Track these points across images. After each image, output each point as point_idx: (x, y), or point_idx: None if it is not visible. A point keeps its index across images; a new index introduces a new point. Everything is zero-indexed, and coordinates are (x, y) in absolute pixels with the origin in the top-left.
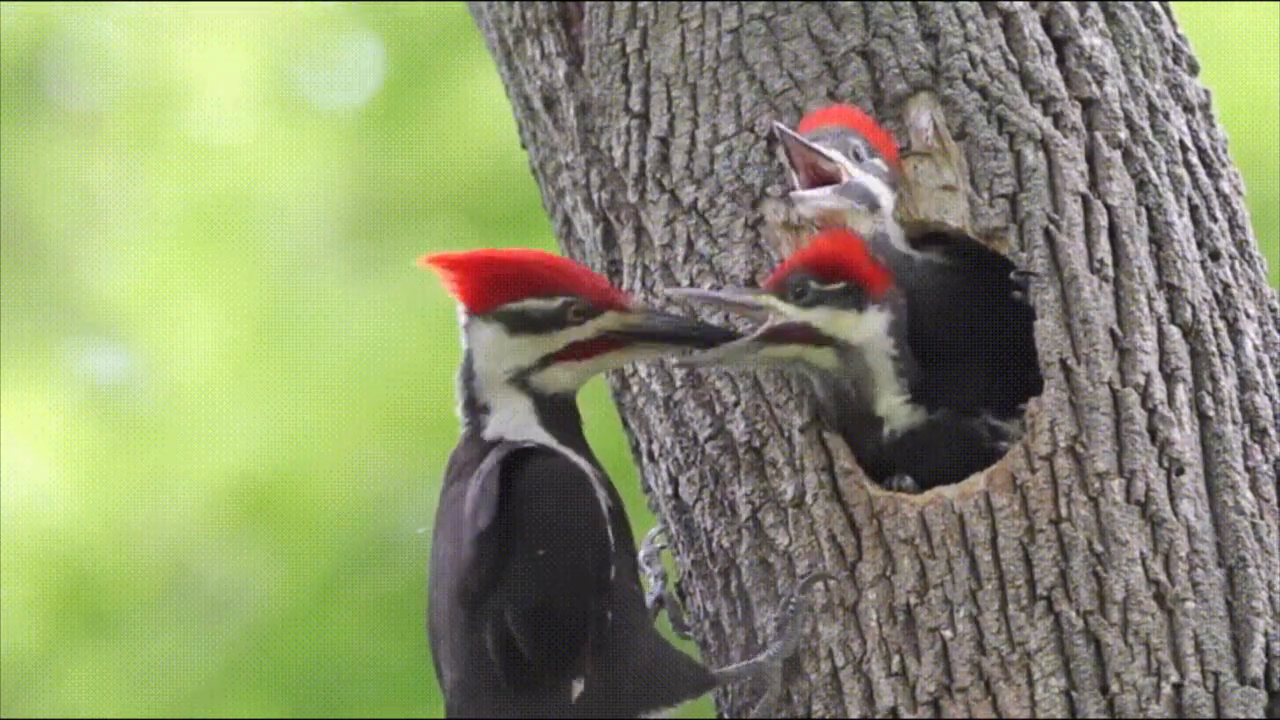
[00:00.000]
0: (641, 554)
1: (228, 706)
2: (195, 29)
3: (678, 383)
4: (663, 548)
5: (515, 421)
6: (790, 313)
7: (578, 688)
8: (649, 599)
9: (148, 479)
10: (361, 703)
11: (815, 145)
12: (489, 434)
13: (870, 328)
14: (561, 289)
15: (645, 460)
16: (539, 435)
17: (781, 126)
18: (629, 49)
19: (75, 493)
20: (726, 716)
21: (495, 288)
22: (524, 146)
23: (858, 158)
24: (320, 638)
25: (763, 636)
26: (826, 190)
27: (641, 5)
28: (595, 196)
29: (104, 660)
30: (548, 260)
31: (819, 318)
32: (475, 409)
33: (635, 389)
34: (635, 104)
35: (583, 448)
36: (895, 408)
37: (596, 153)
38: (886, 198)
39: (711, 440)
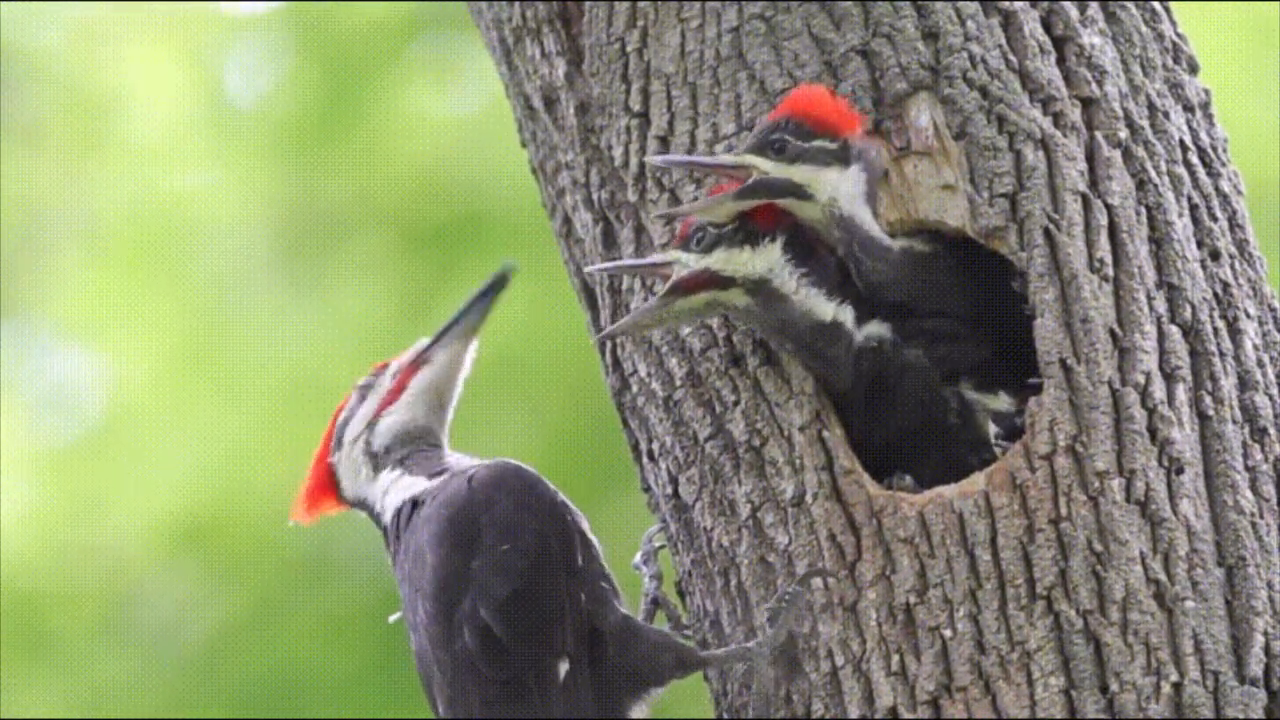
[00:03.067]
0: (639, 553)
1: None
2: (129, 42)
3: (677, 382)
4: (661, 547)
5: (395, 489)
6: (691, 261)
7: (563, 668)
8: (644, 600)
9: (88, 505)
10: None
11: (709, 160)
12: (386, 518)
13: (766, 258)
14: (347, 398)
15: (645, 460)
16: (408, 484)
17: (662, 159)
18: (629, 48)
19: (14, 515)
20: (725, 717)
21: (321, 456)
22: (524, 145)
23: (780, 149)
24: (263, 658)
25: (761, 634)
26: (711, 198)
27: (641, 5)
28: (595, 196)
29: (47, 686)
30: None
31: (716, 260)
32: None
33: (635, 388)
34: (635, 103)
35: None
36: (839, 310)
37: (596, 152)
38: (823, 180)
39: (711, 439)
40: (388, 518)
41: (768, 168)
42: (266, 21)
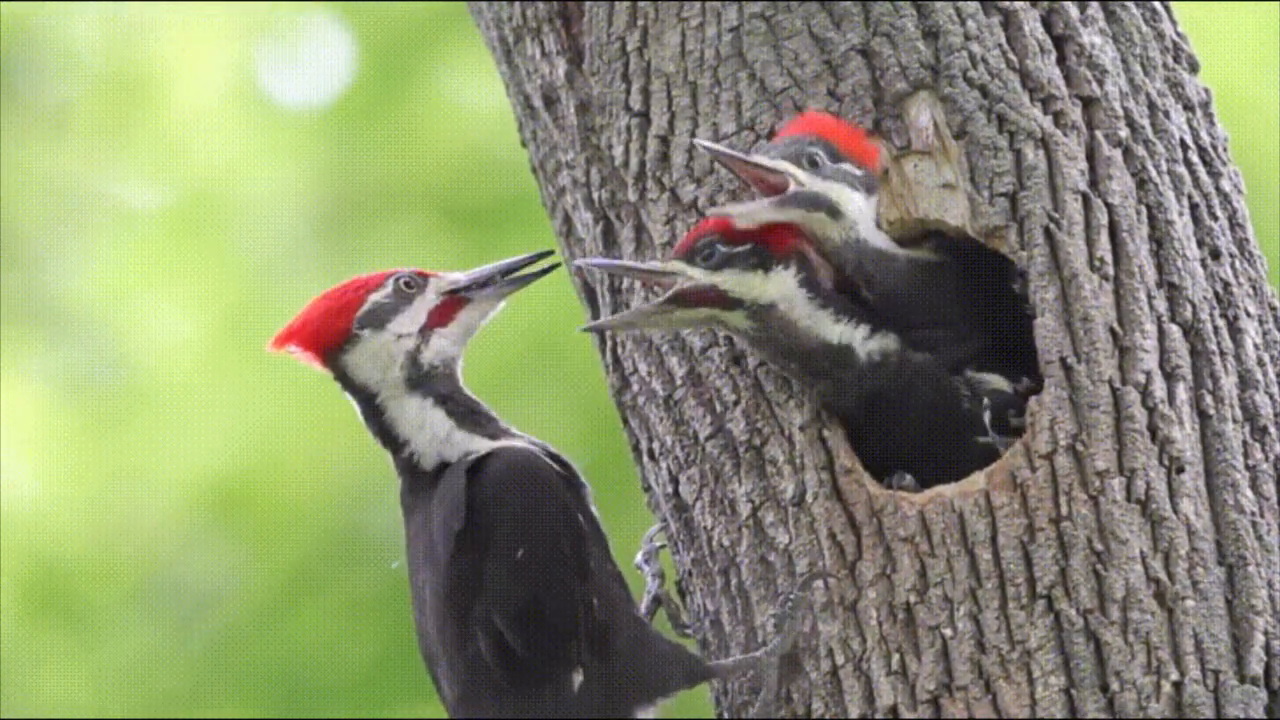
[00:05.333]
0: (640, 553)
1: (201, 705)
2: (167, 23)
3: (678, 381)
4: (662, 546)
5: (439, 435)
6: (698, 276)
7: (578, 679)
8: (646, 598)
9: (121, 476)
10: (335, 700)
11: (752, 158)
12: (428, 462)
13: (778, 287)
14: (378, 279)
15: (645, 459)
16: (464, 439)
17: (710, 145)
18: (629, 47)
19: (48, 489)
20: (726, 716)
21: (339, 312)
22: (524, 145)
23: (814, 164)
24: (293, 635)
25: (762, 634)
26: (763, 202)
27: (641, 4)
28: (595, 195)
29: (77, 658)
30: (353, 278)
31: (726, 280)
32: (398, 446)
33: (635, 387)
34: (635, 102)
35: (510, 431)
36: (848, 331)
37: (597, 151)
38: (852, 202)
39: (712, 439)
40: (428, 461)
41: (804, 179)
42: (309, 2)
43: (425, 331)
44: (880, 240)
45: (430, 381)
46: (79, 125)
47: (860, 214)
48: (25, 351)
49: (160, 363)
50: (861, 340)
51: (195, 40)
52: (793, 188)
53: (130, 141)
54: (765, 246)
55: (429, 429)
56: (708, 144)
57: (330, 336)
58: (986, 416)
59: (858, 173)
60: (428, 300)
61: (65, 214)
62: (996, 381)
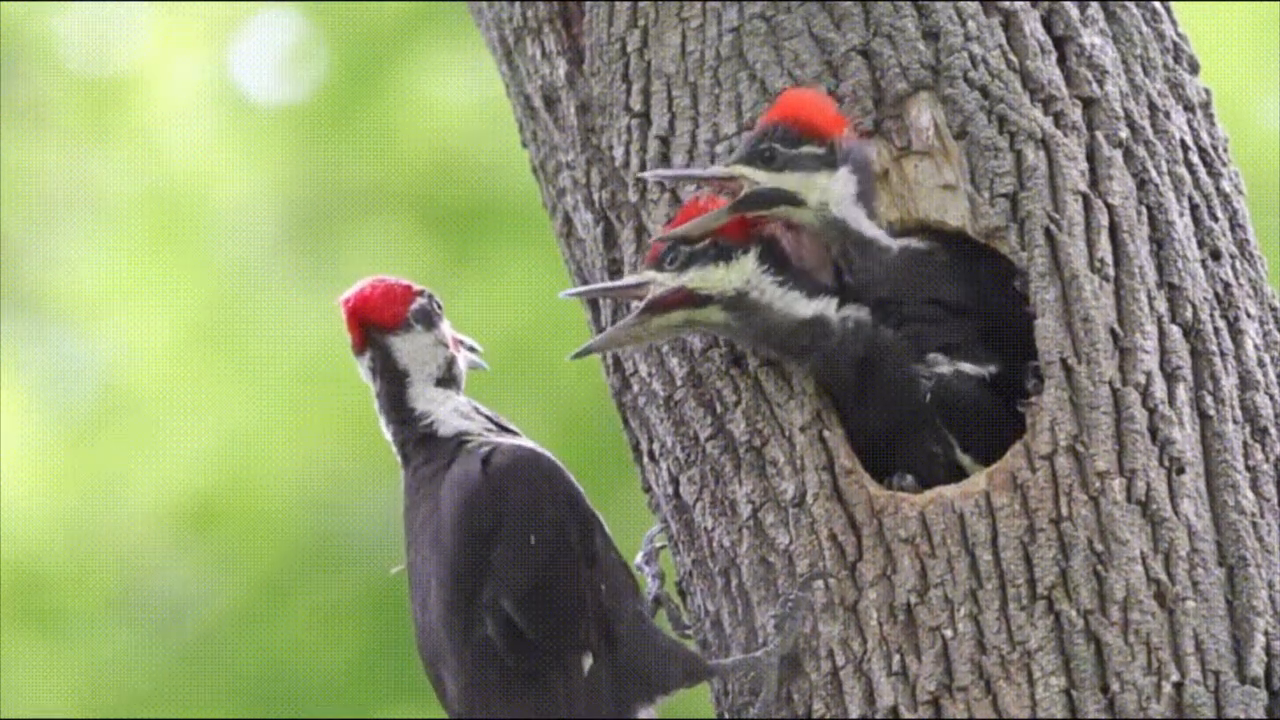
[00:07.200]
0: (640, 554)
1: (179, 709)
2: (142, 23)
3: (678, 382)
4: (662, 548)
5: (461, 410)
6: (666, 280)
7: (587, 662)
8: (646, 599)
9: (98, 482)
10: (313, 704)
11: (694, 172)
12: (446, 429)
13: (740, 273)
14: (417, 288)
15: (646, 460)
16: (482, 421)
17: (657, 172)
18: (630, 48)
19: (25, 493)
20: (726, 717)
21: (398, 299)
22: (524, 146)
23: (768, 159)
24: (271, 640)
25: (763, 635)
26: (713, 211)
27: (642, 4)
28: (596, 196)
29: (54, 661)
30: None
31: (691, 278)
32: (414, 420)
33: (636, 388)
34: (636, 103)
35: (514, 429)
36: (818, 304)
37: (597, 152)
38: (814, 185)
39: (712, 439)
40: (446, 428)
41: (759, 178)
42: (282, 2)
43: (454, 348)
44: (864, 220)
45: (454, 385)
46: (58, 122)
47: (826, 192)
48: (4, 358)
49: (136, 369)
50: (833, 310)
51: (165, 40)
52: (746, 188)
53: (108, 141)
54: (724, 238)
55: (451, 403)
56: (654, 173)
57: (388, 317)
58: (927, 397)
59: (819, 152)
60: (448, 326)
61: (44, 214)
62: (964, 368)
